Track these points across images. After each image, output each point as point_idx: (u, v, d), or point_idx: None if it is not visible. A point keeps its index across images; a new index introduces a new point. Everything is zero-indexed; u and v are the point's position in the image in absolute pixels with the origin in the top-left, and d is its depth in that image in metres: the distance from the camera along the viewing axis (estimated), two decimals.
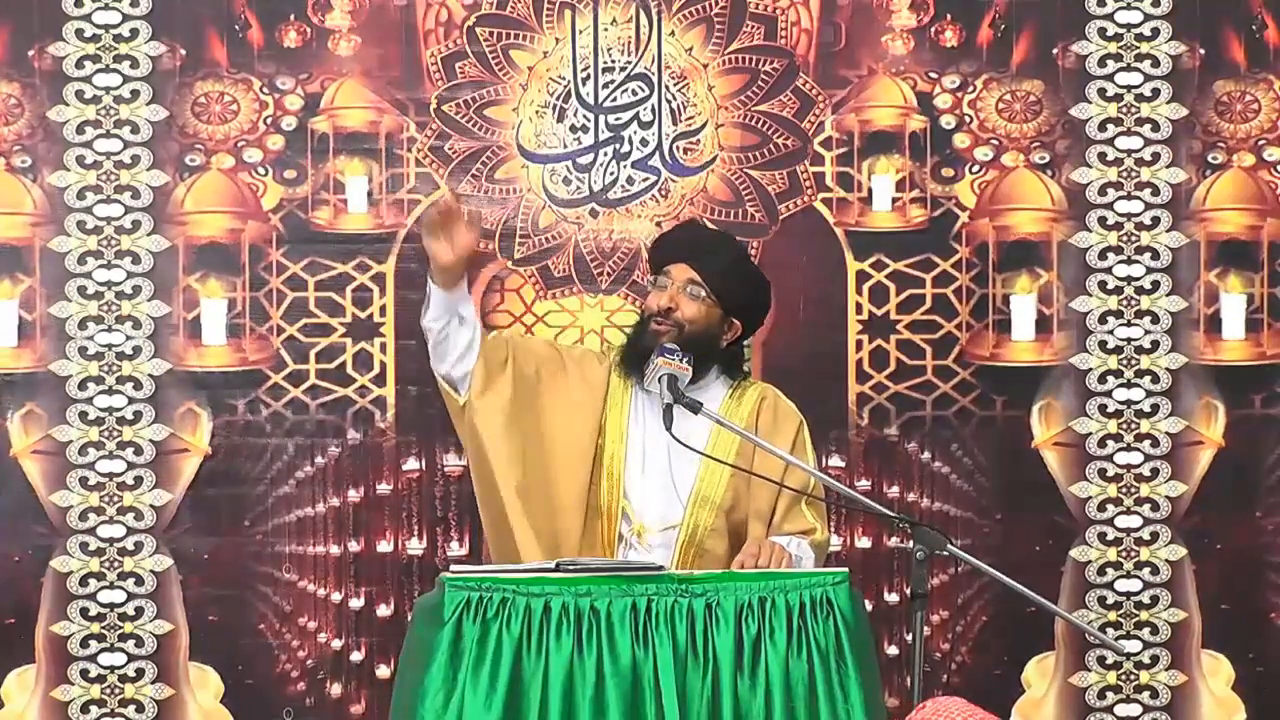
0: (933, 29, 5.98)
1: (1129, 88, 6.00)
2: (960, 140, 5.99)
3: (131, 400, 5.88)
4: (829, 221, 5.98)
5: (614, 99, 5.94)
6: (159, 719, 5.88)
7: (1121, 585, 6.00)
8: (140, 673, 5.88)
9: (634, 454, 4.87)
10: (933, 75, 5.99)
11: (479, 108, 5.94)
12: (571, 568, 4.49)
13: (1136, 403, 6.00)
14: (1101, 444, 6.00)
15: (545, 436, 4.87)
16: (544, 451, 4.85)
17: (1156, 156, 6.00)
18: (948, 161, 5.99)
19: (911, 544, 4.54)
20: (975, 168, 6.00)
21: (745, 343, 5.07)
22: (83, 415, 5.88)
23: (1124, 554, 6.00)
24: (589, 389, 4.90)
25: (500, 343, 4.94)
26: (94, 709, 5.88)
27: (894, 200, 5.98)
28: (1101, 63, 6.00)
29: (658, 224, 5.90)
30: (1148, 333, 6.00)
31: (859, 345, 5.96)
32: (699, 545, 4.84)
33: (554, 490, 4.84)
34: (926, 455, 5.96)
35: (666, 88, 5.94)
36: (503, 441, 4.82)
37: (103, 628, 5.88)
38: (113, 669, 5.88)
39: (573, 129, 5.94)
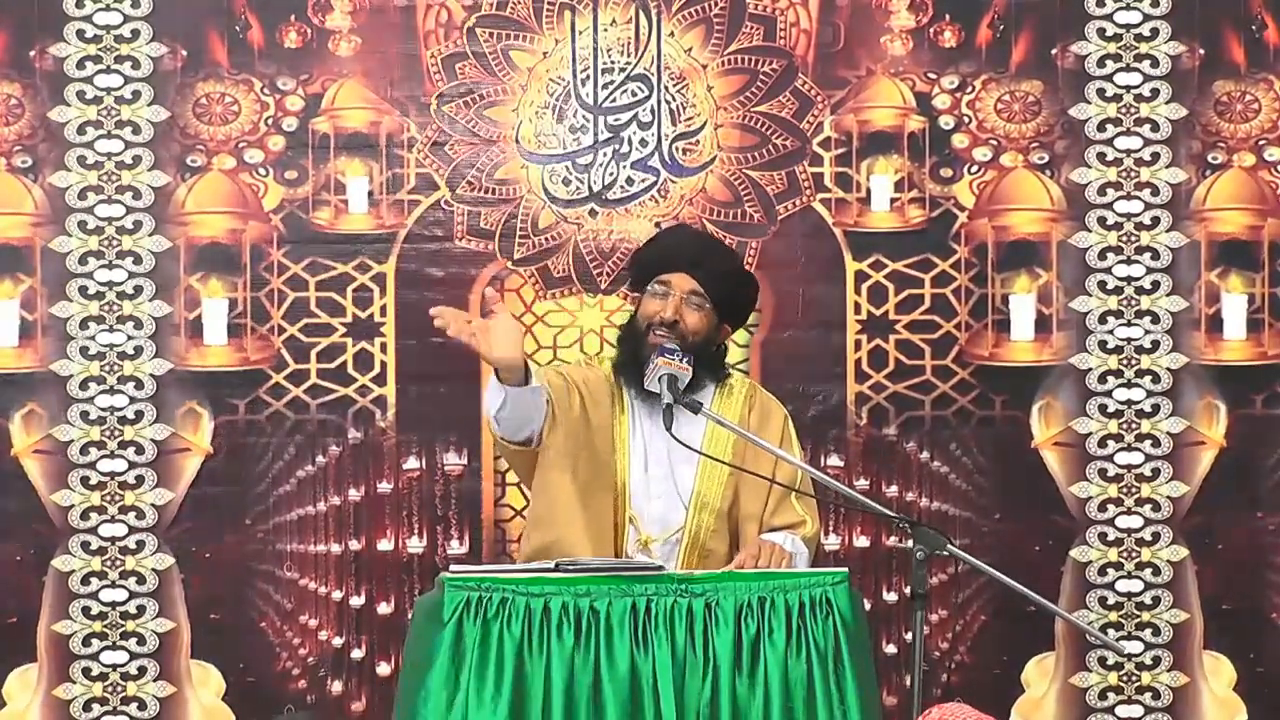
0: (931, 29, 5.98)
1: (1128, 88, 6.00)
2: (959, 140, 6.00)
3: (133, 400, 5.90)
4: (828, 222, 5.99)
5: (613, 99, 5.95)
6: (161, 717, 5.90)
7: (1122, 586, 6.00)
8: (142, 671, 5.89)
9: (636, 464, 4.87)
10: (931, 75, 5.99)
11: (479, 108, 5.95)
12: (571, 568, 4.49)
13: (1137, 403, 6.00)
14: (1102, 444, 6.00)
15: (583, 468, 4.87)
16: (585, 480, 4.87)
17: (1156, 156, 6.00)
18: (946, 162, 5.99)
19: (911, 544, 4.54)
20: (974, 168, 6.00)
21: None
22: (84, 415, 5.89)
23: (1125, 554, 6.00)
24: (603, 412, 4.90)
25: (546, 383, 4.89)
26: (96, 707, 5.89)
27: (893, 200, 5.98)
28: (1101, 63, 6.00)
29: (656, 224, 5.90)
30: (1148, 333, 6.00)
31: (858, 345, 5.97)
32: (702, 547, 4.85)
33: (592, 515, 4.84)
34: (925, 455, 5.96)
35: (666, 88, 5.95)
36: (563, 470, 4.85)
37: (104, 626, 5.89)
38: (114, 667, 5.89)
39: (572, 129, 5.95)
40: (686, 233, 5.37)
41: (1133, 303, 6.01)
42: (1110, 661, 6.00)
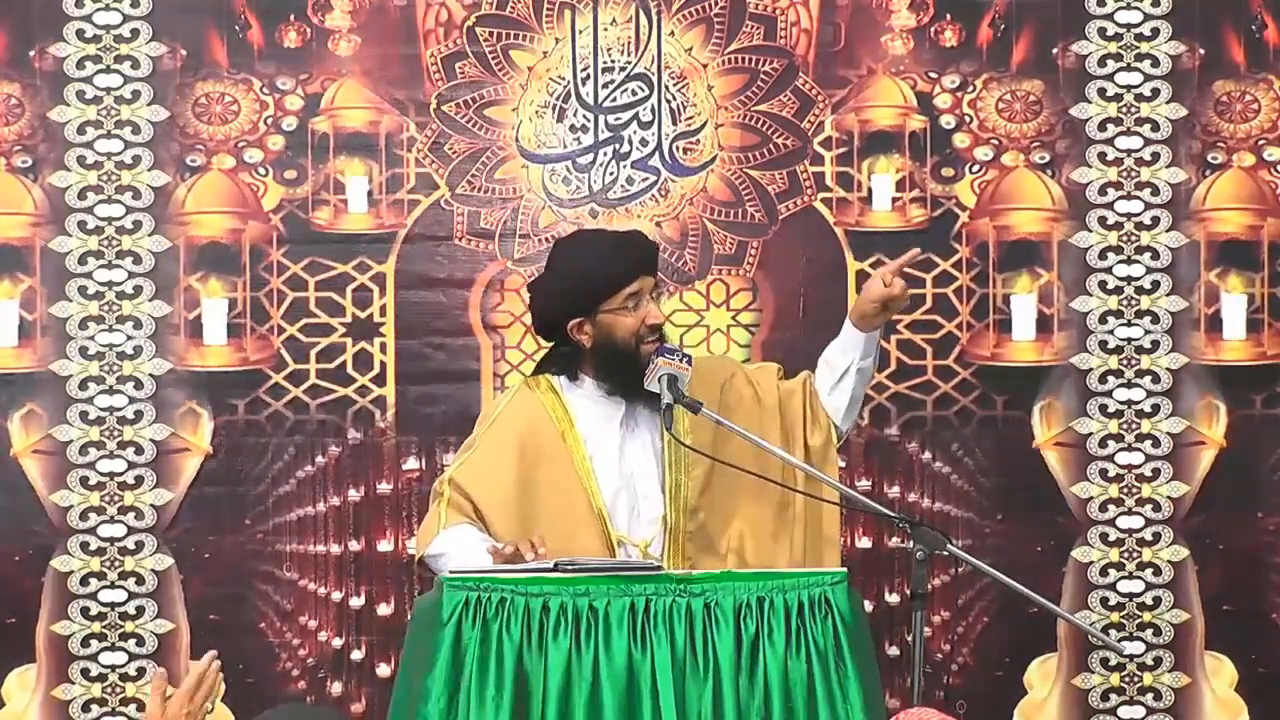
0: (932, 29, 5.98)
1: (1129, 87, 5.99)
2: (960, 140, 5.99)
3: (132, 400, 5.89)
4: (829, 221, 5.98)
5: (614, 99, 5.94)
6: None
7: (1124, 586, 5.99)
8: (141, 672, 5.88)
9: (606, 485, 4.84)
10: (932, 75, 5.99)
11: (479, 108, 5.95)
12: (570, 568, 4.48)
13: (1137, 403, 6.00)
14: (1103, 444, 6.00)
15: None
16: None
17: (1156, 156, 6.00)
18: (948, 161, 5.99)
19: (911, 544, 4.54)
20: (975, 167, 6.00)
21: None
22: (83, 415, 5.89)
23: (1126, 555, 5.99)
24: (552, 447, 4.85)
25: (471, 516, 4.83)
26: (95, 708, 5.88)
27: (894, 200, 5.98)
28: (1101, 62, 6.00)
29: (658, 224, 5.90)
30: (1148, 333, 6.00)
31: None
32: (685, 531, 4.85)
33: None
34: (927, 455, 5.95)
35: (666, 88, 5.94)
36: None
37: (103, 627, 5.89)
38: (113, 668, 5.89)
39: (572, 129, 5.94)
40: (631, 237, 5.03)
41: (1133, 303, 6.00)
42: (1112, 663, 5.99)
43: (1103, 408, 6.00)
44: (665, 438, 4.80)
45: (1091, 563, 5.99)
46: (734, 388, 4.94)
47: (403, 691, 4.55)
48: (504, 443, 4.84)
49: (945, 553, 4.55)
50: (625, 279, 4.82)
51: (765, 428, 4.88)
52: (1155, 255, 6.00)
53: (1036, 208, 6.00)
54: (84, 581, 5.88)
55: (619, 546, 4.79)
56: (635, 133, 5.94)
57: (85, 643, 5.88)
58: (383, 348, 5.94)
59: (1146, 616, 5.99)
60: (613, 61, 5.95)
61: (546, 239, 5.95)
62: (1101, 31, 5.99)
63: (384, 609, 5.92)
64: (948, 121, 5.99)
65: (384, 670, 5.90)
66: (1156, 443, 5.99)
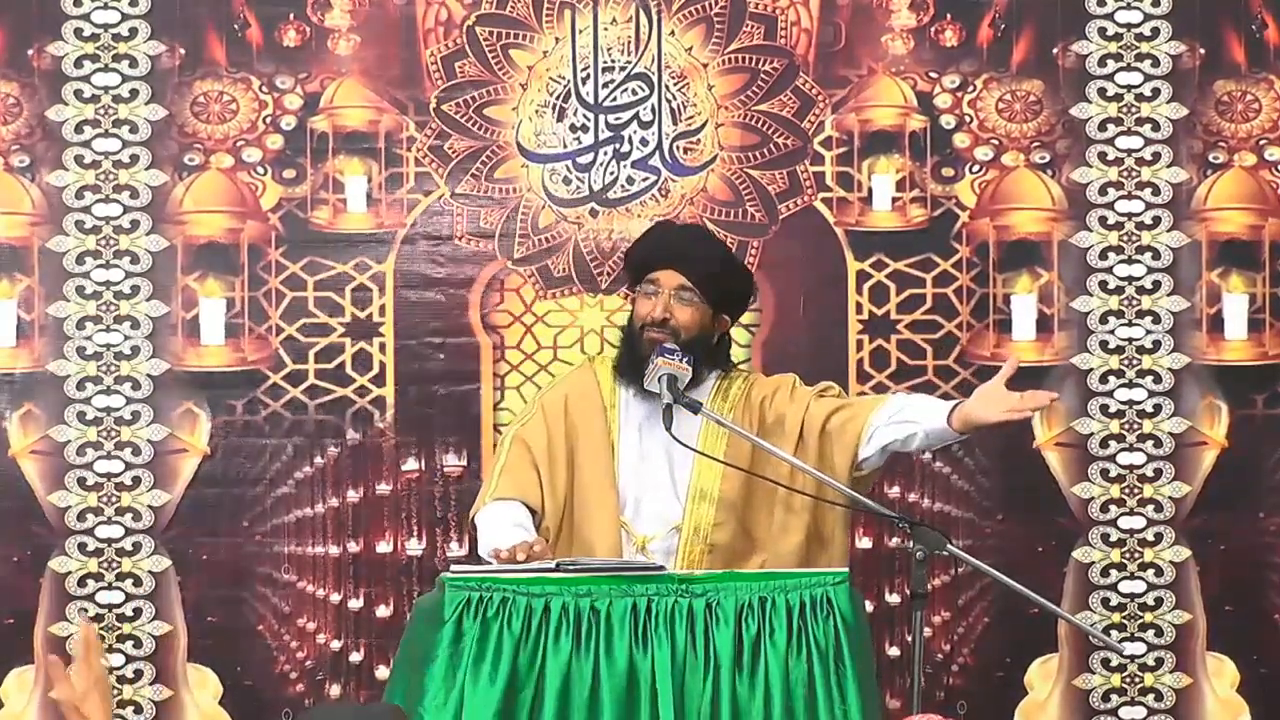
0: (932, 29, 5.98)
1: (1129, 87, 5.99)
2: (960, 140, 5.99)
3: (130, 400, 5.88)
4: (829, 221, 5.98)
5: (614, 98, 5.94)
6: None
7: (1125, 587, 5.99)
8: (139, 674, 5.87)
9: (625, 468, 4.86)
10: (933, 75, 5.98)
11: (479, 107, 5.94)
12: (572, 568, 4.48)
13: (1138, 403, 5.99)
14: (1104, 444, 5.99)
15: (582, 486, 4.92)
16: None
17: (1157, 156, 5.99)
18: (948, 161, 5.98)
19: (911, 544, 4.53)
20: (975, 167, 5.99)
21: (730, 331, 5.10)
22: (81, 415, 5.87)
23: (1127, 555, 5.99)
24: (593, 421, 4.89)
25: (530, 478, 4.90)
26: None
27: (894, 200, 5.97)
28: (1101, 62, 5.99)
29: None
30: (1149, 333, 5.99)
31: (859, 345, 5.96)
32: (705, 540, 4.84)
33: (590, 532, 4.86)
34: (927, 455, 5.94)
35: (666, 87, 5.93)
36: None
37: (101, 629, 5.87)
38: (111, 670, 5.87)
39: (572, 128, 5.93)
40: (671, 228, 5.39)
41: (1134, 302, 6.00)
42: (1113, 663, 5.99)
43: (1104, 408, 5.99)
44: (699, 441, 4.80)
45: (1092, 563, 5.98)
46: (774, 406, 4.93)
47: (395, 688, 4.55)
48: (558, 409, 4.90)
49: (945, 553, 4.55)
50: (647, 264, 4.91)
51: (782, 442, 4.87)
52: (1156, 255, 5.99)
53: (1037, 208, 6.00)
54: (82, 582, 5.87)
55: (622, 531, 4.81)
56: (635, 132, 5.93)
57: None
58: (382, 348, 5.93)
59: (1148, 617, 5.98)
60: (613, 61, 5.94)
61: (546, 239, 5.94)
62: (1102, 31, 5.99)
63: (383, 611, 5.91)
64: (948, 121, 5.99)
65: (383, 673, 5.88)
66: (1158, 443, 5.98)
